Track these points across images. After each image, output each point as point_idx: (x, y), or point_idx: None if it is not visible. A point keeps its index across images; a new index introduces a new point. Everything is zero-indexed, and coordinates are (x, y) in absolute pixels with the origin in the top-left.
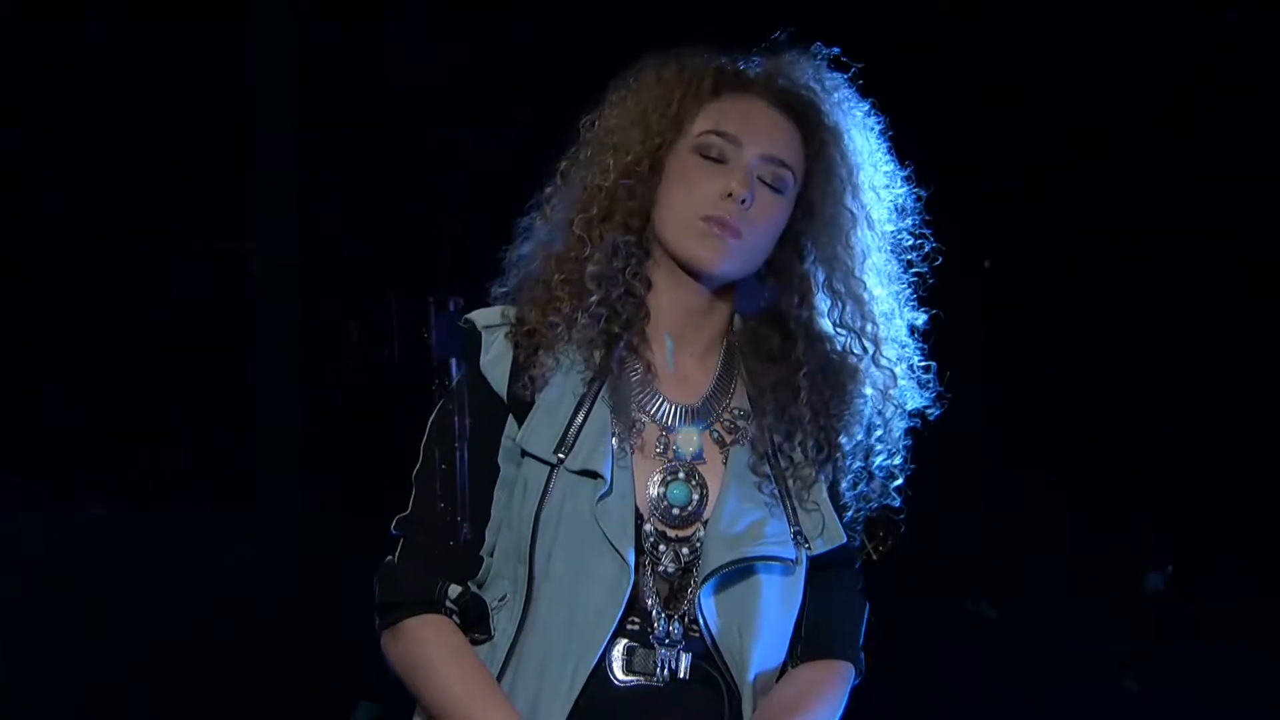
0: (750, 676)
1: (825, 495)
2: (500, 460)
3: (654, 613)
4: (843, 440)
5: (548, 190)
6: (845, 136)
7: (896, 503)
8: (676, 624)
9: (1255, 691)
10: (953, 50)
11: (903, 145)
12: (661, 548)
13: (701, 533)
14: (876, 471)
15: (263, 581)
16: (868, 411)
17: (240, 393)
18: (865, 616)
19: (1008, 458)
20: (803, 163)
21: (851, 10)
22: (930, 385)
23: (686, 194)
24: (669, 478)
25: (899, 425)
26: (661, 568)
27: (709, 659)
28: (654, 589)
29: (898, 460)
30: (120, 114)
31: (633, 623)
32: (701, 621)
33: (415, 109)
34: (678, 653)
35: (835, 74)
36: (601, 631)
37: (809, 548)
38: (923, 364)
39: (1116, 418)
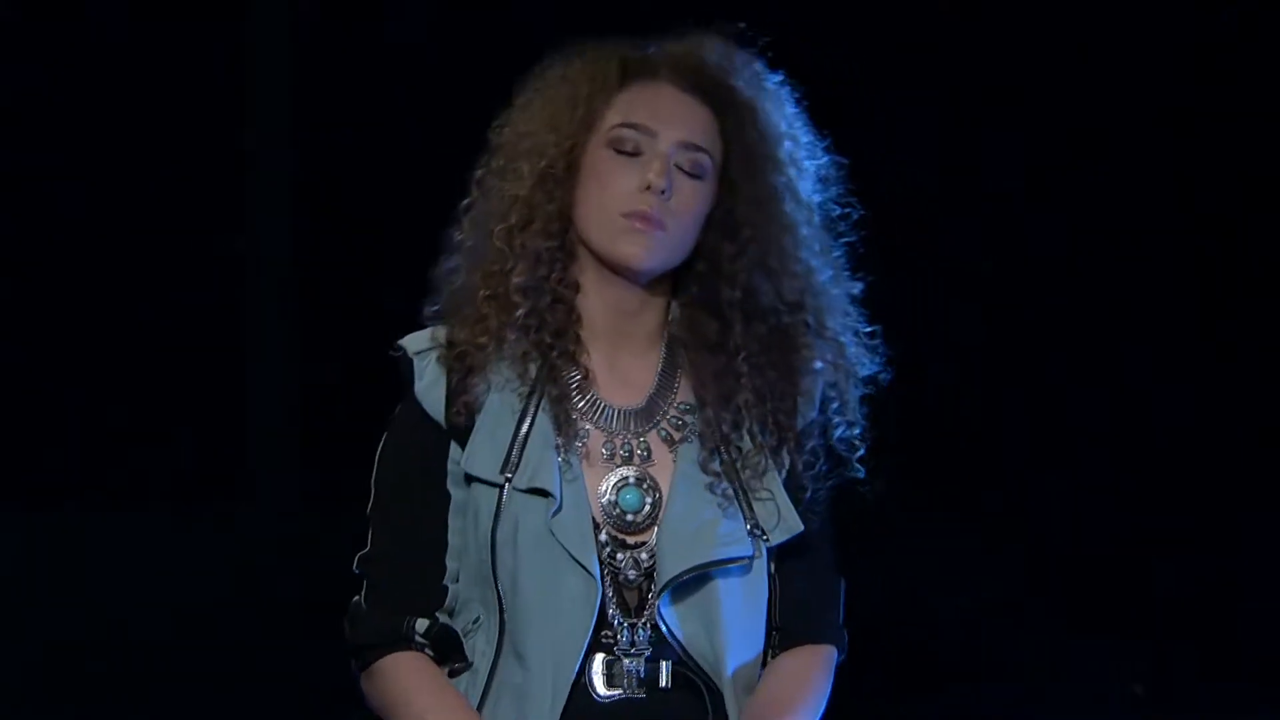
0: (728, 674)
1: (779, 483)
2: (450, 486)
3: (616, 622)
4: (796, 422)
5: (466, 201)
6: (760, 112)
7: (860, 474)
8: (641, 631)
9: None
10: (953, 50)
11: (903, 145)
12: (620, 556)
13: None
14: (837, 444)
15: (261, 582)
16: (819, 387)
17: (237, 392)
18: (841, 593)
19: None
20: (720, 144)
21: (852, 10)
22: (879, 350)
23: (604, 192)
24: (620, 484)
25: (854, 394)
26: (623, 576)
27: (685, 664)
28: (615, 599)
29: (857, 430)
30: (117, 113)
31: (606, 636)
32: (665, 629)
33: (414, 107)
34: (651, 661)
35: (744, 50)
36: (575, 647)
37: (767, 539)
38: (867, 330)
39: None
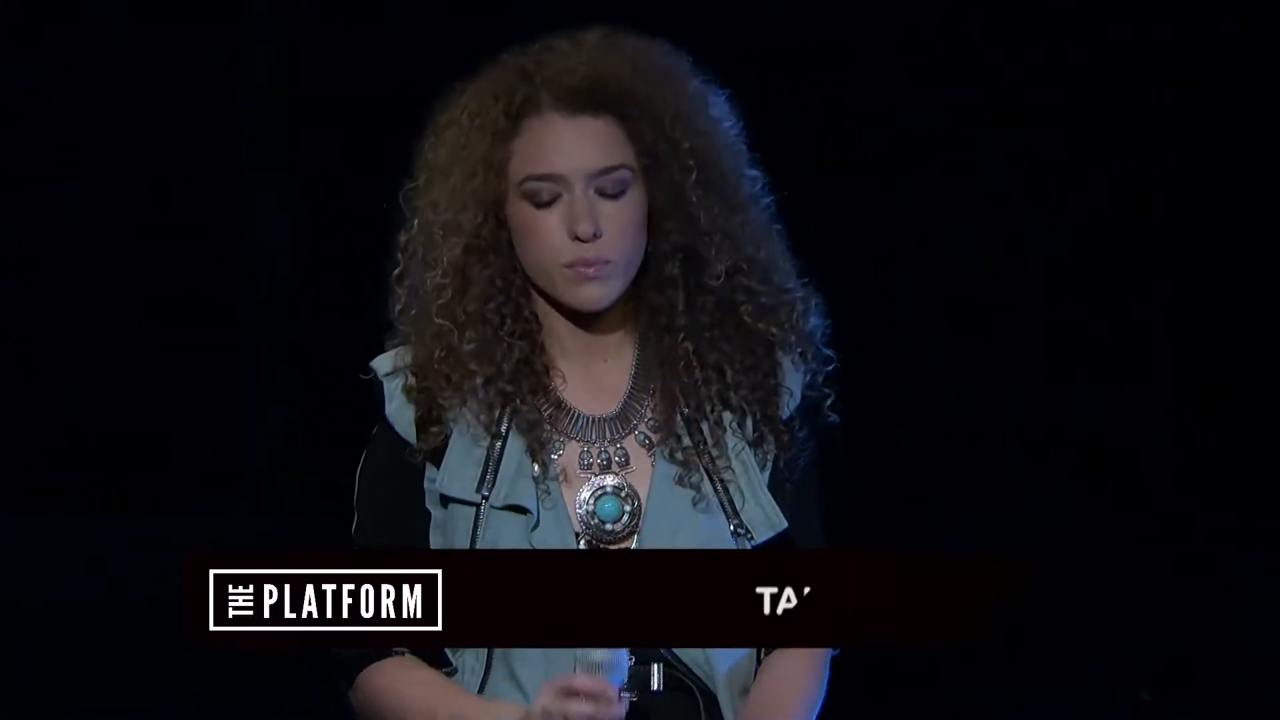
0: (721, 675)
1: (759, 474)
2: (429, 504)
3: None
4: (778, 411)
5: (396, 271)
6: (657, 99)
7: (835, 419)
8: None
9: None
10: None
11: (904, 143)
12: None
13: (636, 546)
14: (808, 393)
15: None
16: (793, 367)
17: (237, 395)
18: None
19: None
20: (629, 145)
21: (852, 10)
22: (820, 301)
23: (537, 248)
24: (598, 494)
25: (816, 339)
26: None
27: (675, 667)
28: None
29: (826, 369)
30: (115, 115)
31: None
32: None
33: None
34: (641, 664)
35: (625, 37)
36: (565, 658)
37: (751, 537)
38: (802, 280)
39: None
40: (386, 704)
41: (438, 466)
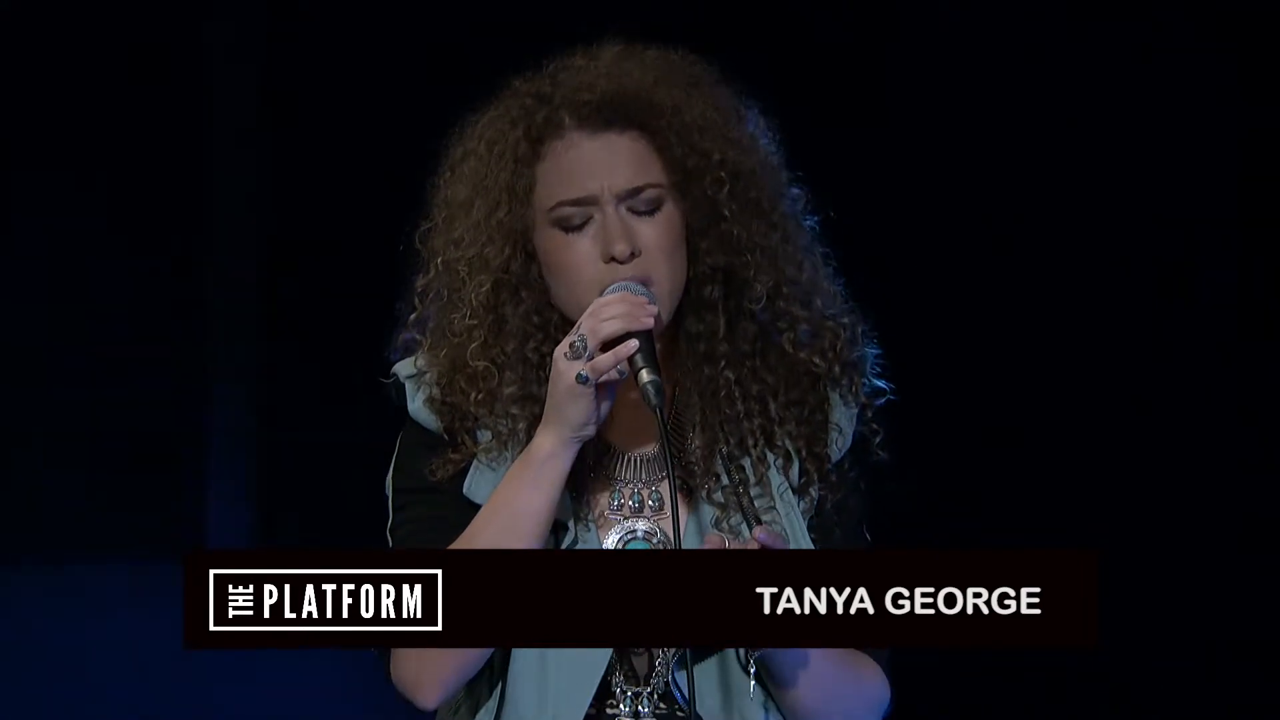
0: None
1: (801, 518)
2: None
3: (619, 690)
4: (828, 451)
5: (413, 316)
6: (684, 108)
7: (885, 458)
8: (646, 702)
9: None
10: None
11: (903, 142)
12: None
13: None
14: (846, 426)
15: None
16: (844, 407)
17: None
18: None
19: None
20: (659, 161)
21: (853, 9)
22: (872, 332)
23: (572, 278)
24: (627, 537)
25: (866, 371)
26: None
27: None
28: (621, 665)
29: (874, 406)
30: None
31: (610, 706)
32: (679, 697)
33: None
34: None
35: (644, 48)
36: (575, 714)
37: None
38: (849, 307)
39: None
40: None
41: (463, 481)
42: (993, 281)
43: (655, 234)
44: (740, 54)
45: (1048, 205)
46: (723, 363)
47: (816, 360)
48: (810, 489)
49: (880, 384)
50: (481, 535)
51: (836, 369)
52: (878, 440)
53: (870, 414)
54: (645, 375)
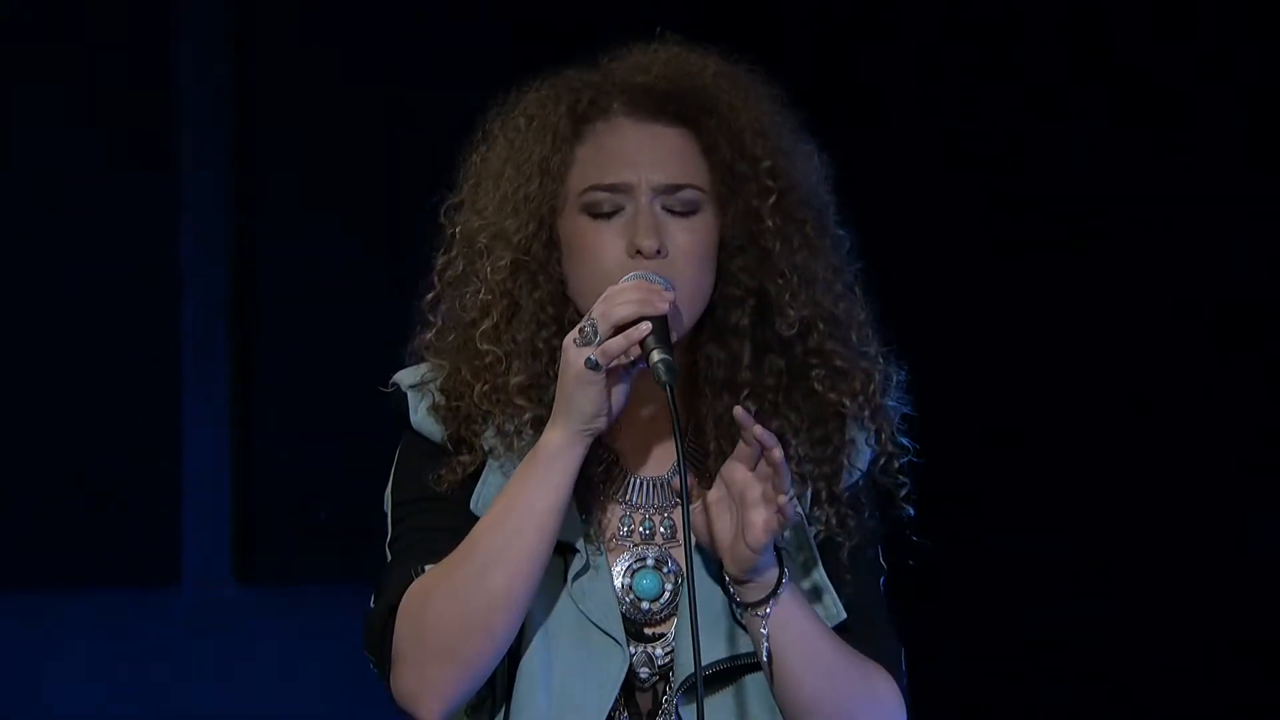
0: None
1: (818, 556)
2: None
3: None
4: (839, 477)
5: (430, 296)
6: (740, 109)
7: (909, 512)
8: None
9: None
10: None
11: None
12: (634, 650)
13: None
14: (879, 477)
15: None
16: (860, 434)
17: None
18: (902, 664)
19: None
20: (704, 163)
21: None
22: (903, 374)
23: (593, 267)
24: (636, 565)
25: (892, 418)
26: (636, 675)
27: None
28: (625, 704)
29: (900, 461)
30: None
31: None
32: None
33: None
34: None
35: (704, 50)
36: None
37: None
38: (886, 348)
39: None
40: (430, 590)
41: (468, 494)
42: (992, 281)
43: (687, 238)
44: (739, 53)
45: (1047, 205)
46: (745, 392)
47: (845, 402)
48: (827, 526)
49: (905, 441)
50: (487, 538)
51: (866, 413)
52: (903, 493)
53: (897, 465)
54: (657, 355)
